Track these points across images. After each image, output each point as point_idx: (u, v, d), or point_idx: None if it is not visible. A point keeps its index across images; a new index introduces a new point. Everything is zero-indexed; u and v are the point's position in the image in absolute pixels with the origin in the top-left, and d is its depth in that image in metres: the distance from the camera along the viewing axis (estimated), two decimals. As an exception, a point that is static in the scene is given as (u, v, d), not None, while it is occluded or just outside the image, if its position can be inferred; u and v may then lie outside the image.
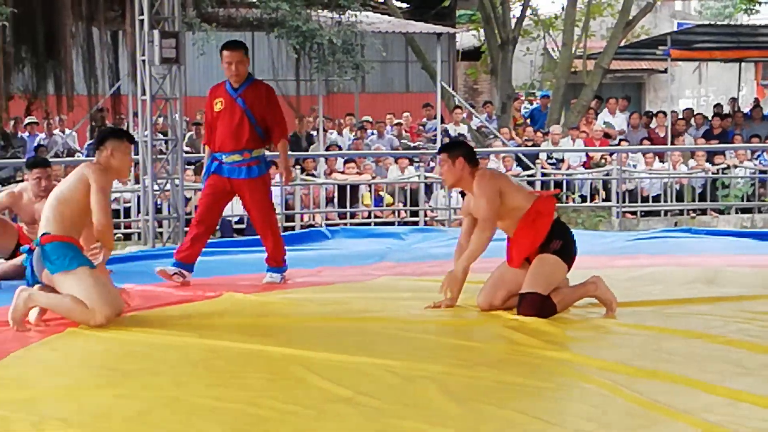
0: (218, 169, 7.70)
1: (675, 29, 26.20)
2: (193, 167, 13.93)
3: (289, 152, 15.95)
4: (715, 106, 21.98)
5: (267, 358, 5.03)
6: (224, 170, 7.68)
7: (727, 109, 21.60)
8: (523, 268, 6.13)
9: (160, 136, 12.03)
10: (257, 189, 7.70)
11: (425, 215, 14.79)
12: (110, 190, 6.07)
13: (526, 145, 17.29)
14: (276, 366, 4.89)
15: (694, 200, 15.53)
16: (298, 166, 14.60)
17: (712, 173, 15.80)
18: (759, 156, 16.45)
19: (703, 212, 15.61)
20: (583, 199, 15.55)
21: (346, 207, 14.20)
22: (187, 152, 14.06)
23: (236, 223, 13.78)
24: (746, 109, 21.19)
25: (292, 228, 13.38)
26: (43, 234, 5.93)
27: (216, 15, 16.84)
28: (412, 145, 18.03)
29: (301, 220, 14.08)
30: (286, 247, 7.91)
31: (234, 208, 13.73)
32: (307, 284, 7.60)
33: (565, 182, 15.65)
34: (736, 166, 16.08)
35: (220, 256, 9.17)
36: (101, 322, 5.73)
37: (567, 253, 6.14)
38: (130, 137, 6.28)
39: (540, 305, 5.96)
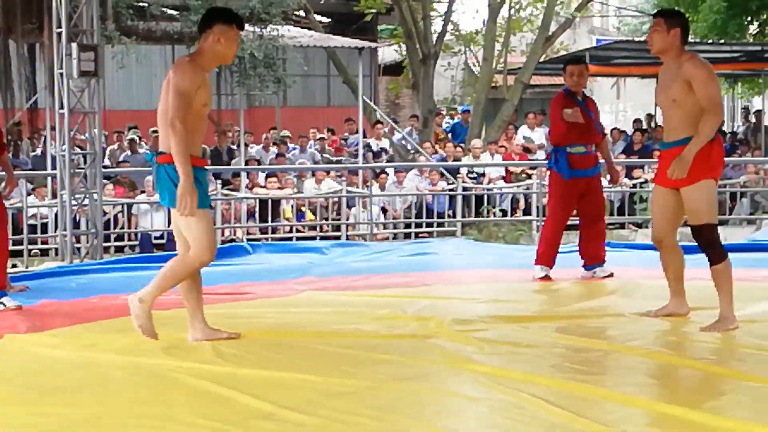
0: None
1: (594, 45, 26.59)
2: (111, 182, 13.78)
3: (212, 166, 15.96)
4: (634, 122, 22.35)
5: (188, 374, 4.99)
6: None
7: (644, 125, 21.99)
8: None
9: (78, 150, 11.87)
10: None
11: (347, 229, 14.79)
12: (196, 83, 5.53)
13: (447, 160, 17.38)
14: (197, 382, 4.85)
15: (612, 214, 15.71)
16: (218, 180, 14.52)
17: (630, 187, 16.03)
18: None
19: (622, 226, 15.82)
20: (504, 213, 15.67)
21: (267, 221, 14.15)
22: (105, 167, 13.92)
23: (156, 238, 13.65)
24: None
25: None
26: (160, 153, 5.59)
27: (135, 28, 16.67)
28: (334, 159, 18.05)
29: (222, 235, 13.99)
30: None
31: (154, 223, 13.64)
32: (228, 300, 7.55)
33: (486, 196, 15.76)
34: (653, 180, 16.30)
35: (141, 272, 9.06)
36: (210, 258, 5.66)
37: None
38: (239, 22, 5.77)
39: (713, 234, 6.08)
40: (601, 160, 8.58)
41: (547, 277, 8.35)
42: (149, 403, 4.54)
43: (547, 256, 8.42)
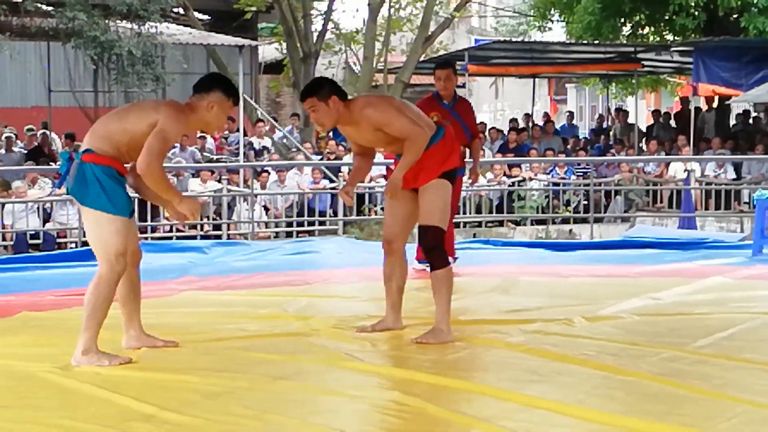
0: None
1: (472, 45, 26.89)
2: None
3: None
4: (511, 121, 22.65)
5: (63, 376, 4.91)
6: None
7: (522, 124, 22.32)
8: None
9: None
10: None
11: (228, 228, 14.69)
12: (175, 139, 5.36)
13: (329, 159, 17.40)
14: (72, 384, 4.77)
15: (491, 212, 15.94)
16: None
17: (509, 186, 16.27)
18: (552, 170, 17.03)
19: (501, 224, 16.04)
20: (385, 211, 15.73)
21: (147, 221, 13.97)
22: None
23: (32, 237, 13.37)
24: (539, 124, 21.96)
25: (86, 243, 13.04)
26: (87, 151, 5.20)
27: (9, 24, 16.30)
28: (215, 158, 17.91)
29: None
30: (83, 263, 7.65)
31: (30, 223, 13.35)
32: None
33: (367, 195, 15.81)
34: (531, 179, 16.61)
35: (15, 273, 8.88)
36: (123, 266, 5.24)
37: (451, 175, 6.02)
38: (236, 98, 5.48)
39: (441, 238, 5.85)
40: (469, 160, 8.76)
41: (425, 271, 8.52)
42: (21, 407, 4.44)
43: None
